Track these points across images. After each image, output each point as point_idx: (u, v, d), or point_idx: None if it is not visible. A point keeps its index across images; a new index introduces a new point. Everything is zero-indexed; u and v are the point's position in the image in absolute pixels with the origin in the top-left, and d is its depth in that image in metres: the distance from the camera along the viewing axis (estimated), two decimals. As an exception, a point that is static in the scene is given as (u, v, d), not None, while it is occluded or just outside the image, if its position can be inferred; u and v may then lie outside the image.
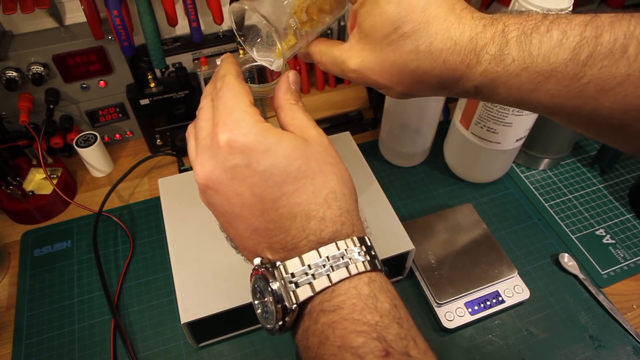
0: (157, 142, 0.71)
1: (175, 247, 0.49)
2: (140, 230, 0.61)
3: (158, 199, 0.62)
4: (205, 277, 0.46)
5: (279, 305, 0.27)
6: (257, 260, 0.29)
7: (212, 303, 0.44)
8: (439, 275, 0.53)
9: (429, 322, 0.52)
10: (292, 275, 0.27)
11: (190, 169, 0.67)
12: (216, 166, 0.28)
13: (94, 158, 0.67)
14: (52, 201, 0.62)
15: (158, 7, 0.62)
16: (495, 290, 0.53)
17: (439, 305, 0.52)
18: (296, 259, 0.27)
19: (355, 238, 0.28)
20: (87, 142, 0.65)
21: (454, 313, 0.51)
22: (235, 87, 0.30)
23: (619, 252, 0.59)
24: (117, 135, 0.72)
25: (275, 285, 0.27)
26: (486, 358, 0.49)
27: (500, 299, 0.52)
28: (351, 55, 0.31)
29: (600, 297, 0.54)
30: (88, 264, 0.57)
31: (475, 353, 0.50)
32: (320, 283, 0.27)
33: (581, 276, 0.56)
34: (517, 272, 0.54)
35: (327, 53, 0.33)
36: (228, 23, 0.66)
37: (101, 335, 0.51)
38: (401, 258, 0.51)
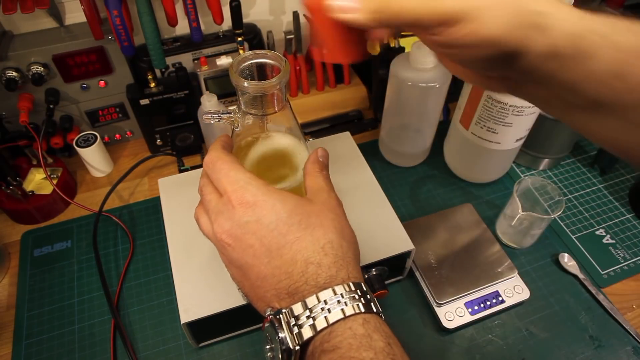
0: (157, 142, 0.71)
1: (175, 247, 0.49)
2: (140, 230, 0.61)
3: (158, 199, 0.62)
4: (205, 277, 0.46)
5: (284, 347, 0.29)
6: (267, 311, 0.32)
7: (212, 303, 0.44)
8: (439, 275, 0.53)
9: (429, 322, 0.52)
10: (297, 318, 0.30)
11: (190, 168, 0.68)
12: (233, 224, 0.32)
13: (94, 158, 0.67)
14: (52, 201, 0.62)
15: (158, 7, 0.62)
16: (495, 290, 0.53)
17: (439, 305, 0.52)
18: (299, 304, 0.30)
19: (351, 283, 0.31)
20: (87, 142, 0.65)
21: (454, 313, 0.51)
22: (227, 160, 0.34)
23: (619, 252, 0.59)
24: (117, 135, 0.72)
25: (282, 333, 0.30)
26: (486, 358, 0.49)
27: (500, 299, 0.52)
28: None
29: (600, 297, 0.54)
30: (88, 264, 0.57)
31: (475, 353, 0.50)
32: (320, 324, 0.29)
33: (581, 276, 0.56)
34: (517, 272, 0.54)
35: None
36: (228, 23, 0.66)
37: (101, 335, 0.51)
38: (401, 258, 0.51)
